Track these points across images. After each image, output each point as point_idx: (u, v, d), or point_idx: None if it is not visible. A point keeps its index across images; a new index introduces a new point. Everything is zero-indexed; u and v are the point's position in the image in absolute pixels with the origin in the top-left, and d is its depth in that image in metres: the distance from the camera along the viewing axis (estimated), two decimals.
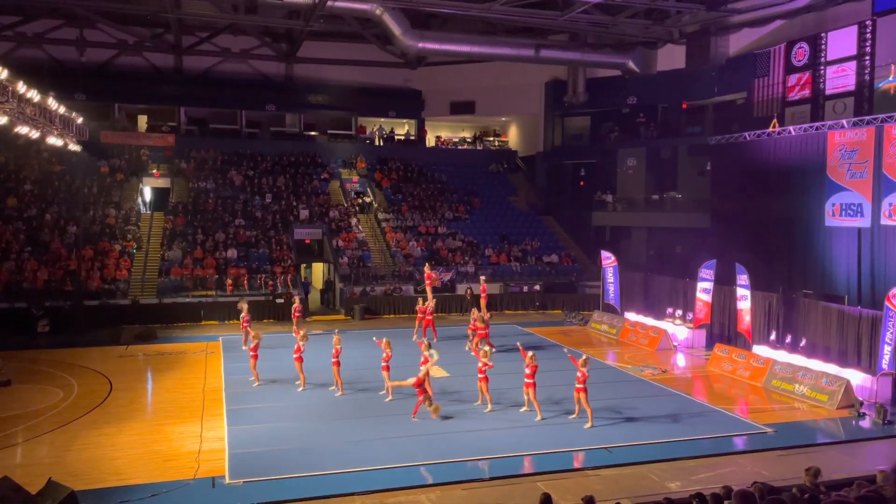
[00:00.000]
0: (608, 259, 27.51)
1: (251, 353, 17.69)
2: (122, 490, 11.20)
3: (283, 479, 11.71)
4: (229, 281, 27.90)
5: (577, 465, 12.62)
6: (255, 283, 28.20)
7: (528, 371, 15.07)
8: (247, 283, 28.08)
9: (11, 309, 24.27)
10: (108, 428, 14.34)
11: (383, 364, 16.51)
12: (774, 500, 7.29)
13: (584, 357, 14.99)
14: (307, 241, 32.99)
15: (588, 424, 14.56)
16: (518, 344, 17.13)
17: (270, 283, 28.28)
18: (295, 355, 17.10)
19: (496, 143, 43.61)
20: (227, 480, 11.66)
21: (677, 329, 23.92)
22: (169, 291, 27.16)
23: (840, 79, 24.74)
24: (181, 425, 14.58)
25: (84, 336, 23.39)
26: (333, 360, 16.76)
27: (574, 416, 15.03)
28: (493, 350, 17.52)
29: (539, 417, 14.97)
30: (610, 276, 27.36)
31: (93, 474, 11.87)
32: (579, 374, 14.70)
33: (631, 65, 33.24)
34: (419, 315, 23.00)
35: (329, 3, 26.55)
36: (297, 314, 23.75)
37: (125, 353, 21.57)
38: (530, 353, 15.33)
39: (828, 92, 25.23)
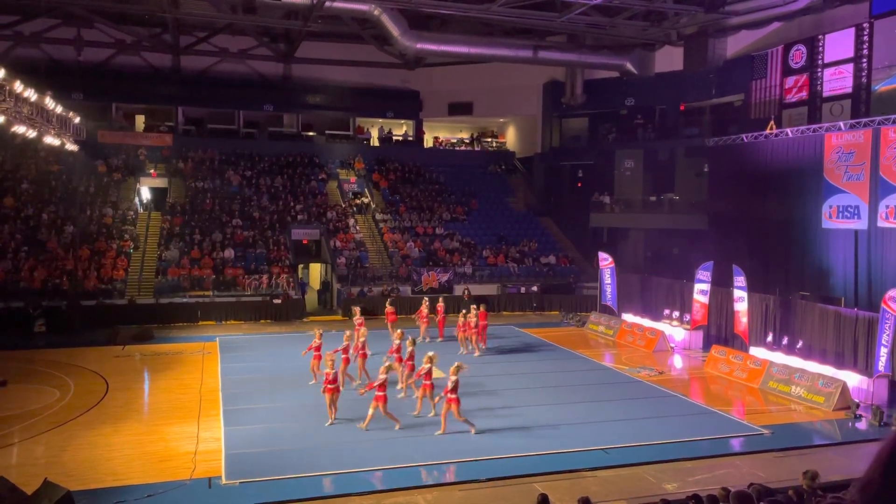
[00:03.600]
0: (605, 260, 27.52)
1: (314, 352, 17.41)
2: (119, 490, 11.17)
3: (279, 479, 11.68)
4: (248, 279, 28.11)
5: (573, 466, 12.59)
6: (271, 283, 28.28)
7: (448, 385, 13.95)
8: (247, 283, 28.06)
9: (8, 308, 24.20)
10: (104, 428, 14.31)
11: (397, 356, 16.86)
12: (771, 502, 7.30)
13: (455, 364, 14.20)
14: (305, 242, 32.97)
15: (440, 431, 13.91)
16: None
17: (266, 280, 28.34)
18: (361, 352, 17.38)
19: (494, 144, 43.65)
20: (224, 481, 11.63)
21: (674, 330, 23.93)
22: (166, 291, 27.10)
23: (837, 81, 24.81)
24: (178, 426, 14.54)
25: (81, 336, 23.33)
26: (360, 352, 17.24)
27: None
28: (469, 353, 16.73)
29: (441, 431, 13.92)
30: (607, 278, 27.37)
31: (89, 475, 11.83)
32: (448, 384, 13.84)
33: (629, 66, 33.28)
34: (425, 319, 23.21)
35: (327, 4, 26.53)
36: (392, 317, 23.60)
37: (122, 353, 21.51)
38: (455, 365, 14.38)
39: (825, 94, 25.30)
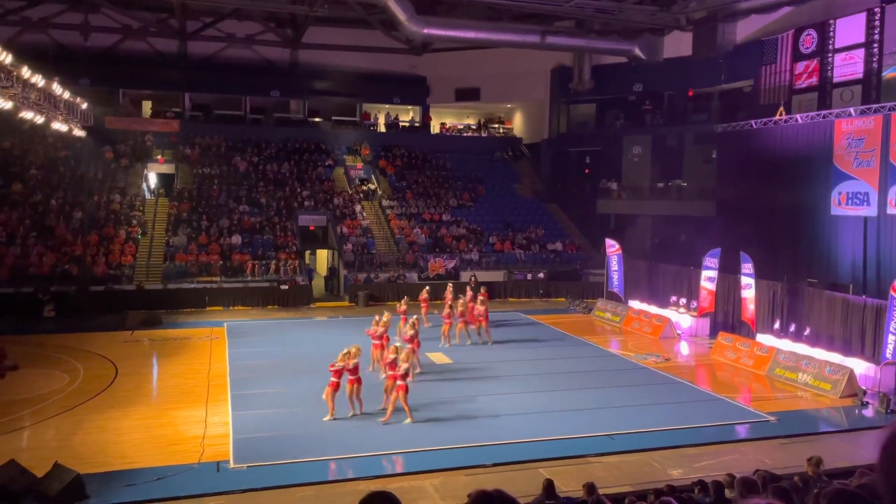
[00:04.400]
0: (612, 247, 27.47)
1: (374, 340, 17.41)
2: (128, 474, 11.28)
3: (286, 463, 11.78)
4: (254, 264, 28.21)
5: (579, 452, 12.62)
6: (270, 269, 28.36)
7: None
8: (256, 269, 28.13)
9: (18, 294, 24.39)
10: (113, 412, 14.43)
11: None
12: (777, 489, 7.30)
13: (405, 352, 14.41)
14: (311, 228, 33.01)
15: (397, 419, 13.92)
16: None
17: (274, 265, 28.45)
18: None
19: (501, 130, 43.47)
20: (232, 465, 11.74)
21: (681, 317, 23.91)
22: (174, 277, 27.23)
23: (848, 66, 24.54)
24: (186, 410, 14.66)
25: (89, 321, 23.47)
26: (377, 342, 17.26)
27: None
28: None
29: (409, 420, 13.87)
30: (614, 264, 27.32)
31: (98, 458, 11.96)
32: (399, 371, 13.86)
33: (637, 52, 32.96)
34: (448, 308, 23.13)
35: None
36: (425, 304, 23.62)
37: (130, 338, 21.67)
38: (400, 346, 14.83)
39: (835, 80, 25.03)
